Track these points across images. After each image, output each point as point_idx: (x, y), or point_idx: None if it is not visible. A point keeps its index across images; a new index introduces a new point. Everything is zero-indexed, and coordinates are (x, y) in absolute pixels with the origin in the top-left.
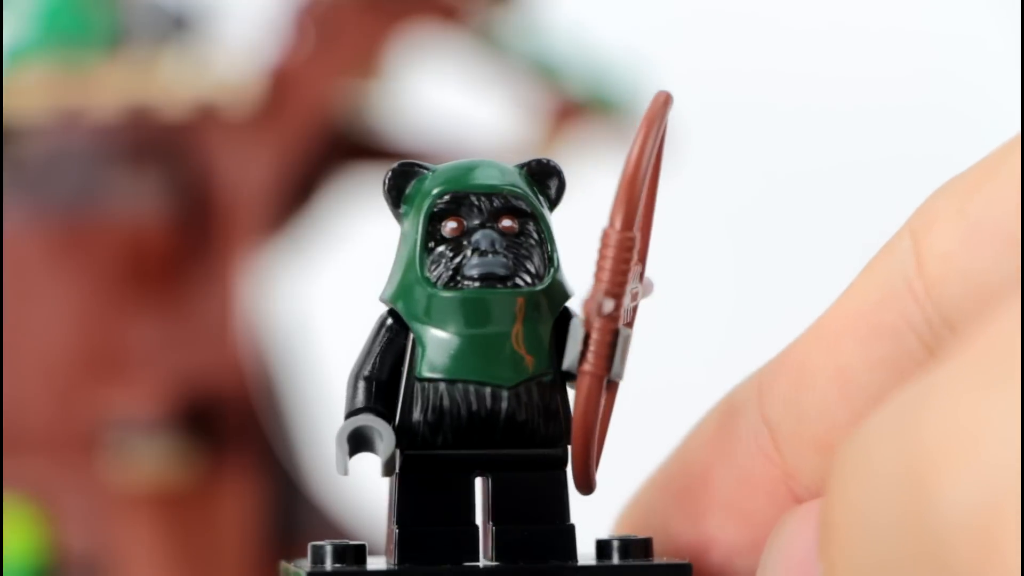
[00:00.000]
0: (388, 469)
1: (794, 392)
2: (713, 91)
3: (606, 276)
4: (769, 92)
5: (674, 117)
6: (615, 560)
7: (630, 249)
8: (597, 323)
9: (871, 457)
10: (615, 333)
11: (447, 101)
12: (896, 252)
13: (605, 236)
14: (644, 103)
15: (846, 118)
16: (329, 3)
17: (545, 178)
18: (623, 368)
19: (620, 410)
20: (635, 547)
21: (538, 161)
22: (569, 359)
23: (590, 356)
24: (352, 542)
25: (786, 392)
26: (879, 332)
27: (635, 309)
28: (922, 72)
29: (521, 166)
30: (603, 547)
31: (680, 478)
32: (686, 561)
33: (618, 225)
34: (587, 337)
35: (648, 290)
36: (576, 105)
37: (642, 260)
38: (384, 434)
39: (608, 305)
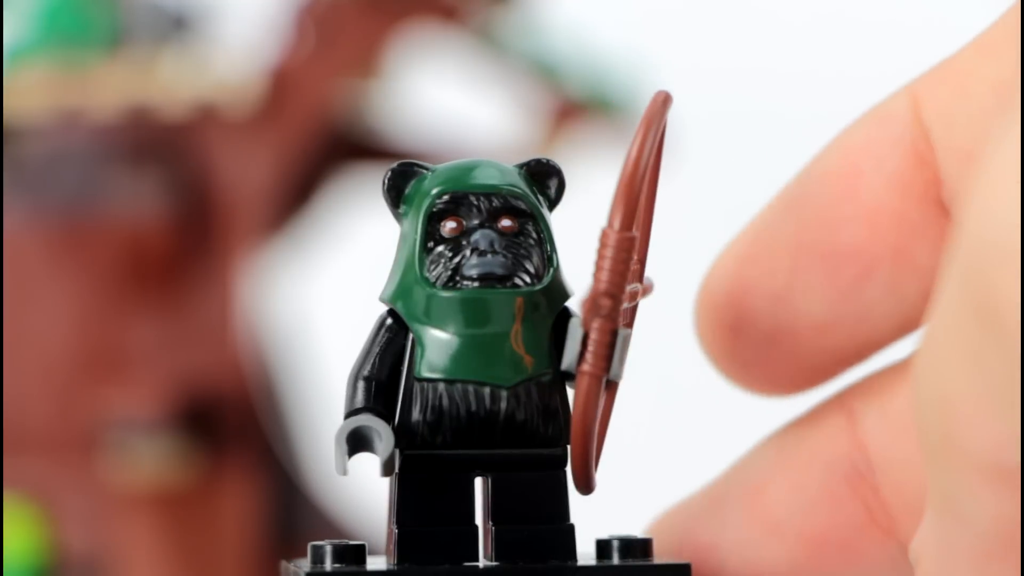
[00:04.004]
0: (387, 469)
1: (952, 100)
2: (714, 91)
3: (605, 276)
4: (770, 91)
5: (674, 117)
6: (615, 560)
7: (629, 249)
8: (596, 323)
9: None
10: (614, 333)
11: (447, 101)
12: None
13: (604, 236)
14: (644, 103)
15: (848, 117)
16: (329, 3)
17: (545, 178)
18: (622, 368)
19: (621, 410)
20: (635, 547)
21: (537, 161)
22: (568, 359)
23: (589, 356)
24: (352, 542)
25: (944, 99)
26: None
27: (634, 309)
28: (922, 70)
29: (521, 166)
30: (603, 547)
31: (819, 185)
32: (685, 561)
33: (617, 225)
34: (586, 337)
35: (648, 290)
36: (576, 105)
37: (641, 261)
38: (383, 434)
39: (605, 305)
